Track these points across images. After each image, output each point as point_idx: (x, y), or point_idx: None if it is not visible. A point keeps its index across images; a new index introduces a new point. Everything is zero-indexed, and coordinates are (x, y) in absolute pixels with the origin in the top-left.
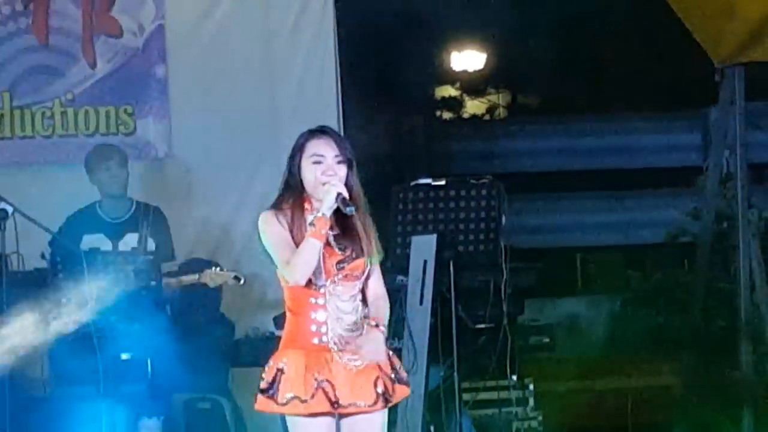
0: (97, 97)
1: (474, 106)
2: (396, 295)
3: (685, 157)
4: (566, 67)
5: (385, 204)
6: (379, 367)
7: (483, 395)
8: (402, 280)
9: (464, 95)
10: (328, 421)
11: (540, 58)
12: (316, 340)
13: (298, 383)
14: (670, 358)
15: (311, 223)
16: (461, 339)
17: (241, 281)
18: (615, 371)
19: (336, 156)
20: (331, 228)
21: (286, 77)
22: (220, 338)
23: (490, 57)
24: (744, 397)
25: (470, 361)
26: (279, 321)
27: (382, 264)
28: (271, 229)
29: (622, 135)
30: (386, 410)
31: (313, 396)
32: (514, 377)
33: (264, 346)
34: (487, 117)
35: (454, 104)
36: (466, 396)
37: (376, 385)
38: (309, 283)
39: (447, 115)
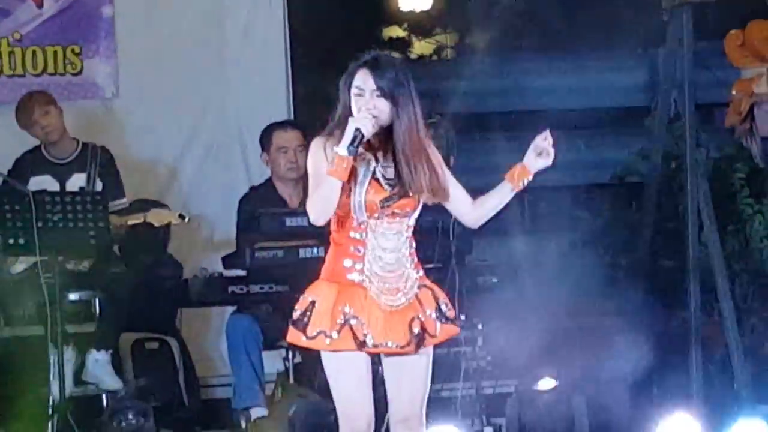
0: (44, 36)
1: (421, 47)
2: None
3: (632, 97)
4: (514, 8)
5: None
6: (421, 304)
7: None
8: None
9: (411, 35)
10: (359, 358)
11: None
12: (350, 276)
13: (326, 317)
14: (619, 298)
15: (330, 161)
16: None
17: (186, 219)
18: (563, 311)
19: (375, 89)
20: (380, 161)
21: (234, 17)
22: (168, 278)
23: None
24: (691, 336)
25: None
26: (227, 261)
27: None
28: (313, 158)
29: (569, 75)
30: (430, 352)
31: (339, 332)
32: (463, 317)
33: (212, 287)
34: (434, 57)
35: (402, 45)
36: None
37: (411, 326)
38: (349, 217)
39: (394, 55)
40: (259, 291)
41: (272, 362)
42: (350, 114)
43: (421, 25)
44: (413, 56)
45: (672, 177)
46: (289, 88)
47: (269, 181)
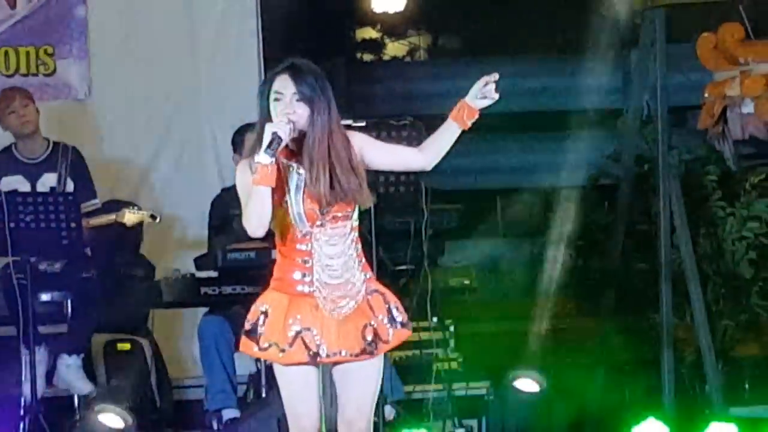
0: (17, 37)
1: (395, 48)
2: None
3: (605, 99)
4: (487, 8)
5: None
6: (372, 310)
7: None
8: None
9: (385, 37)
10: (307, 370)
11: (461, 0)
12: (300, 288)
13: (277, 330)
14: (590, 301)
15: (253, 170)
16: (381, 280)
17: (158, 219)
18: (535, 313)
19: (295, 93)
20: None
21: (206, 18)
22: (140, 279)
23: None
24: (663, 339)
25: None
26: (200, 263)
27: None
28: (240, 179)
29: (542, 77)
30: (382, 357)
31: (291, 344)
32: (435, 319)
33: (185, 288)
34: (408, 59)
35: (375, 46)
36: None
37: (364, 334)
38: (290, 230)
39: (368, 57)
40: (231, 292)
41: (245, 364)
42: (269, 122)
43: (394, 26)
44: (386, 57)
45: (644, 179)
46: None
47: None
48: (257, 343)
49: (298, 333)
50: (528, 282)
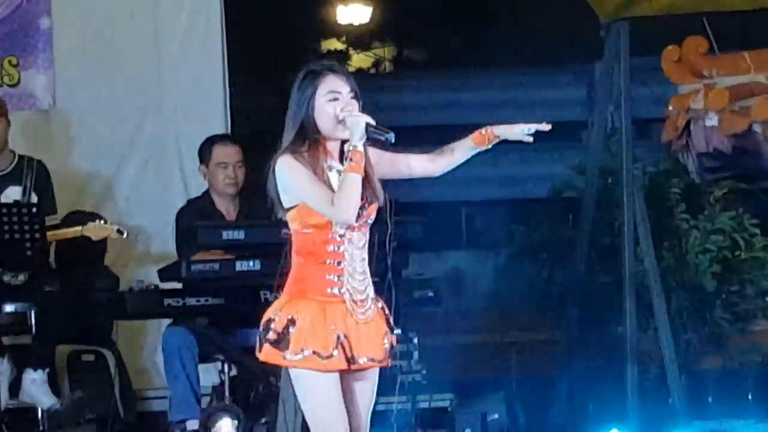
0: None
1: (360, 60)
2: (283, 248)
3: (570, 111)
4: (452, 20)
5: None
6: (387, 320)
7: None
8: (286, 234)
9: (350, 49)
10: (337, 377)
11: (425, 12)
12: (330, 290)
13: (316, 337)
14: (554, 313)
15: (347, 158)
16: None
17: (124, 234)
18: (499, 326)
19: (350, 91)
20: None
21: (171, 30)
22: (103, 291)
23: (375, 10)
24: (627, 352)
25: None
26: (163, 274)
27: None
28: (300, 170)
29: (507, 89)
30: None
31: (334, 351)
32: (399, 331)
33: (148, 299)
34: (373, 71)
35: (340, 58)
36: None
37: (383, 340)
38: (328, 230)
39: None
40: (196, 304)
41: (208, 375)
42: (312, 121)
43: (359, 38)
44: (351, 69)
45: (608, 192)
46: (226, 100)
47: (206, 193)
48: (286, 351)
49: (338, 339)
50: (492, 294)
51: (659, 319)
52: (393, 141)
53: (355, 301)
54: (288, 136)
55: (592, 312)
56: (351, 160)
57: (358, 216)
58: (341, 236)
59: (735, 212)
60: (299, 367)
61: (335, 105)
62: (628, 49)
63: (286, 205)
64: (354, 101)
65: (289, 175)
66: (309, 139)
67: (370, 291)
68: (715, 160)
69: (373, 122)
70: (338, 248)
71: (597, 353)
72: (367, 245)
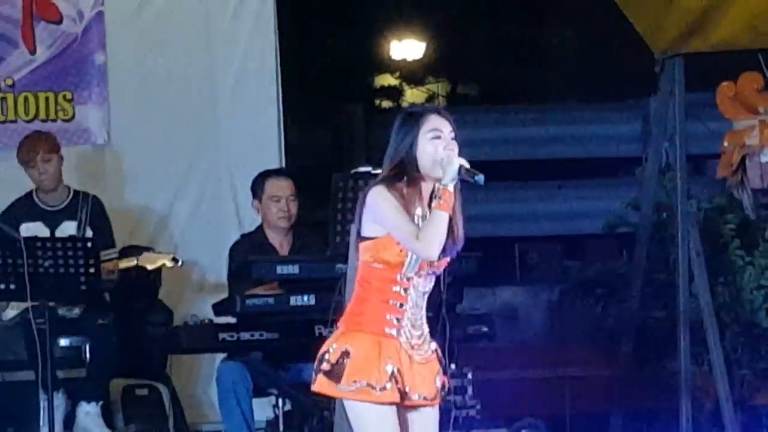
0: (36, 83)
1: (413, 95)
2: (336, 283)
3: (624, 147)
4: (506, 56)
5: (325, 193)
6: (439, 359)
7: None
8: (341, 269)
9: (404, 84)
10: (393, 410)
11: (480, 47)
12: (388, 330)
13: (370, 369)
14: (608, 349)
15: (436, 196)
16: None
17: (179, 263)
18: (553, 361)
19: (451, 132)
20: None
21: (226, 66)
22: (158, 325)
23: (429, 46)
24: (681, 387)
25: None
26: (218, 308)
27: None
28: (391, 202)
29: (561, 125)
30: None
31: (388, 383)
32: (453, 366)
33: (203, 334)
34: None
35: (394, 93)
36: None
37: (436, 380)
38: (398, 270)
39: (386, 104)
40: (250, 338)
41: (262, 409)
42: (413, 157)
43: (412, 73)
44: (405, 104)
45: (663, 227)
46: (280, 136)
47: (260, 228)
48: (339, 383)
49: (392, 373)
50: (546, 329)
51: (713, 354)
52: (482, 183)
53: (412, 345)
54: (385, 171)
55: (646, 348)
56: (440, 198)
57: (432, 265)
58: (408, 279)
59: None
60: (351, 398)
61: (437, 144)
62: (683, 84)
63: (367, 234)
64: (454, 142)
65: (380, 206)
66: (408, 173)
67: (426, 334)
68: None
69: (467, 165)
70: (404, 291)
71: (651, 389)
72: (428, 295)
